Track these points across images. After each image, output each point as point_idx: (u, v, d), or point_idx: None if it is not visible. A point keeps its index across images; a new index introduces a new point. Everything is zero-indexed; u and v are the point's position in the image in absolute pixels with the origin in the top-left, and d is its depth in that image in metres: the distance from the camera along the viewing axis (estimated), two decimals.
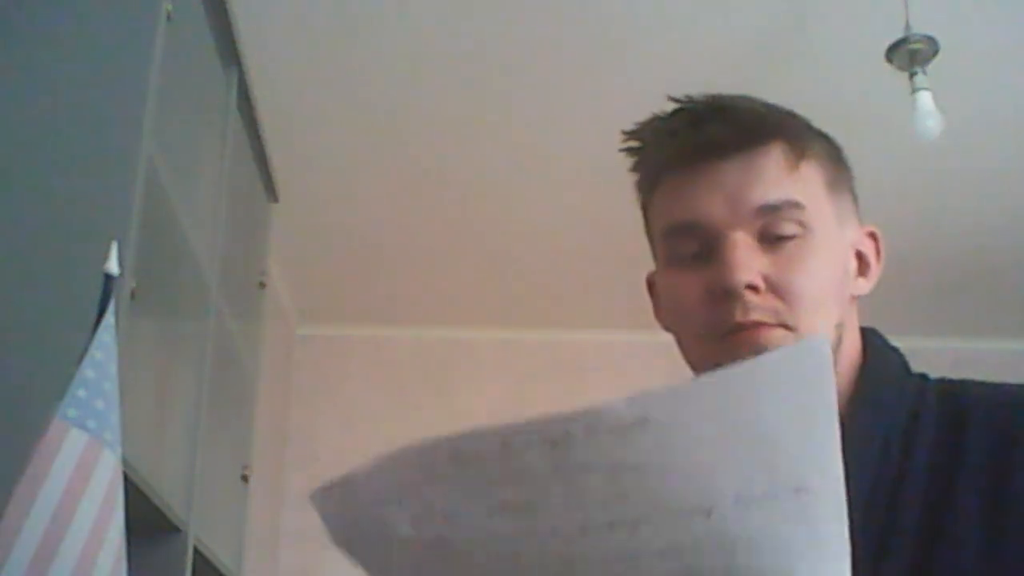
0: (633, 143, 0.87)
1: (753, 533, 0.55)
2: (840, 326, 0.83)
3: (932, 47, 2.53)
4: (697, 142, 0.82)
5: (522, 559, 0.60)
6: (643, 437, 0.56)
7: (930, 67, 2.53)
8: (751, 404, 0.56)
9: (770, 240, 0.80)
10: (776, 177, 0.82)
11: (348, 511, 0.67)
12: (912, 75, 2.51)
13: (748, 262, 0.79)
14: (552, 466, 0.57)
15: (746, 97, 0.86)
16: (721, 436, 0.56)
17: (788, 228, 0.80)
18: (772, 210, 0.80)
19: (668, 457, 0.56)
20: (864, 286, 0.88)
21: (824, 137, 0.89)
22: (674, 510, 0.56)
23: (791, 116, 0.87)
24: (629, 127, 0.87)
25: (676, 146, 0.84)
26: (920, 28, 2.50)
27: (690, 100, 0.86)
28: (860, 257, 0.88)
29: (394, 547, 0.64)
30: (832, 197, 0.85)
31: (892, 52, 2.56)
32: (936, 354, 3.61)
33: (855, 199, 0.89)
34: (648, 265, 0.92)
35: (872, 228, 0.90)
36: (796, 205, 0.81)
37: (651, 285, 0.93)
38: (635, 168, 0.89)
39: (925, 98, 2.45)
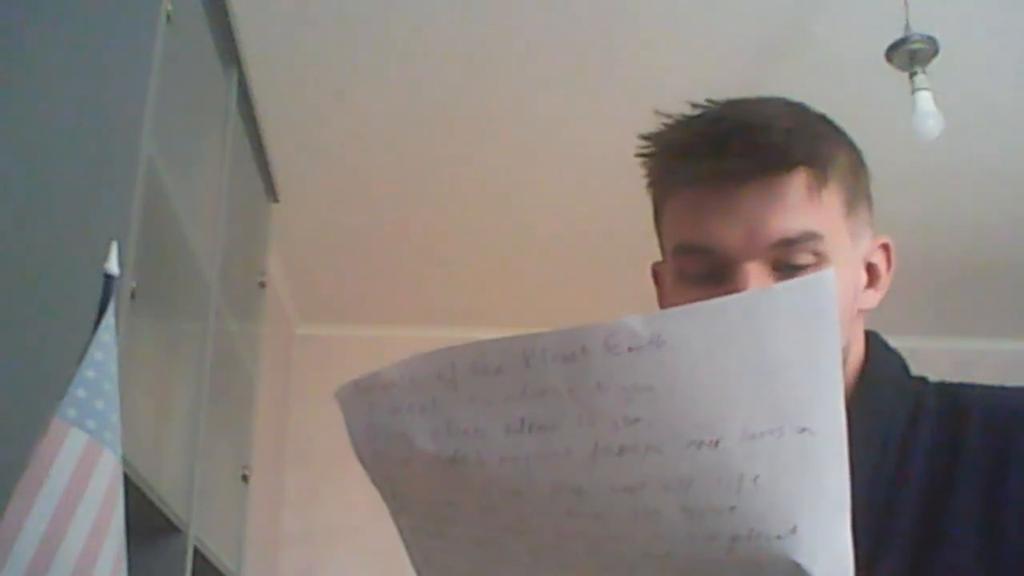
0: (649, 149, 0.85)
1: (758, 470, 0.56)
2: (845, 348, 0.81)
3: (932, 47, 2.54)
4: (715, 168, 0.79)
5: (533, 486, 0.61)
6: (657, 357, 0.57)
7: (930, 67, 2.53)
8: (760, 328, 0.58)
9: (784, 268, 0.79)
10: (796, 207, 0.79)
11: (371, 414, 0.68)
12: (912, 75, 2.51)
13: None
14: (568, 385, 0.59)
15: (772, 111, 0.82)
16: (731, 362, 0.57)
17: (803, 258, 0.79)
18: (790, 243, 0.78)
19: (680, 381, 0.57)
20: (872, 298, 0.87)
21: (846, 143, 0.86)
22: (683, 437, 0.57)
23: (816, 132, 0.83)
24: (639, 131, 0.84)
25: (693, 166, 0.81)
26: (920, 28, 2.50)
27: (709, 111, 0.82)
28: (870, 269, 0.87)
29: (411, 460, 0.65)
30: (849, 216, 0.83)
31: (892, 52, 2.56)
32: (936, 354, 3.63)
33: (871, 204, 0.87)
34: (650, 259, 0.92)
35: (885, 239, 0.88)
36: (814, 236, 0.79)
37: (656, 275, 0.92)
38: (649, 174, 0.87)
39: (925, 98, 2.46)
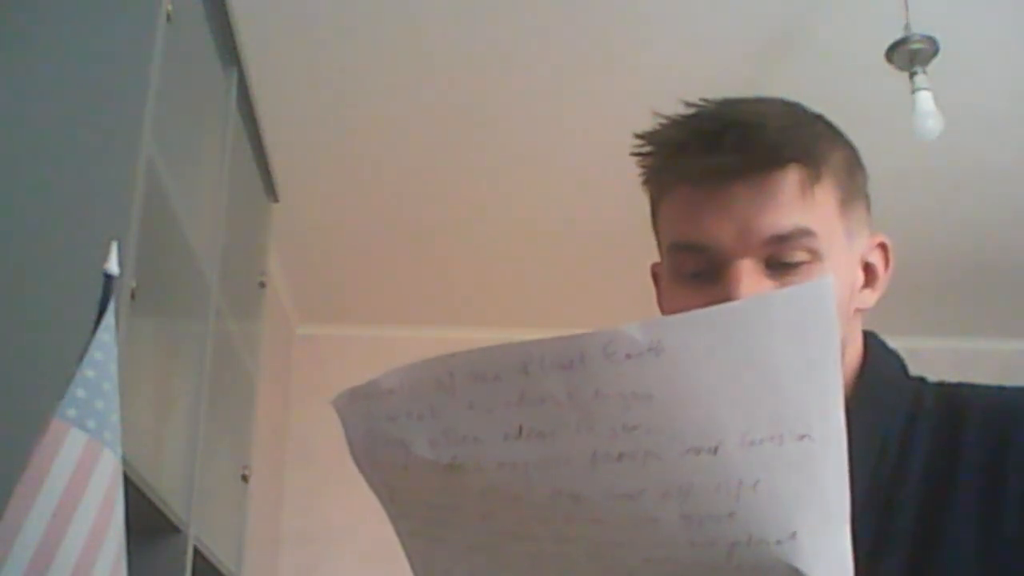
0: (644, 148, 0.85)
1: (757, 476, 0.56)
2: (841, 348, 0.82)
3: (932, 47, 2.54)
4: (708, 165, 0.79)
5: (532, 493, 0.61)
6: (655, 364, 0.57)
7: (930, 67, 2.53)
8: (759, 335, 0.58)
9: (778, 267, 0.79)
10: (788, 204, 0.79)
11: (369, 420, 0.68)
12: (912, 75, 2.51)
13: (752, 291, 0.77)
14: (567, 392, 0.59)
15: (766, 110, 0.83)
16: (730, 369, 0.57)
17: (797, 256, 0.78)
18: (782, 239, 0.78)
19: (678, 388, 0.57)
20: (870, 298, 0.87)
21: (842, 142, 0.86)
22: (682, 444, 0.57)
23: (810, 131, 0.83)
24: (639, 130, 0.85)
25: (687, 163, 0.81)
26: (920, 28, 2.50)
27: (704, 110, 0.83)
28: (868, 268, 0.86)
29: (409, 466, 0.65)
30: (845, 214, 0.82)
31: (892, 52, 2.56)
32: (936, 354, 3.63)
33: (868, 203, 0.87)
34: (650, 259, 0.92)
35: (882, 238, 0.88)
36: (807, 233, 0.78)
37: (655, 275, 0.92)
38: (644, 172, 0.87)
39: (925, 98, 2.46)
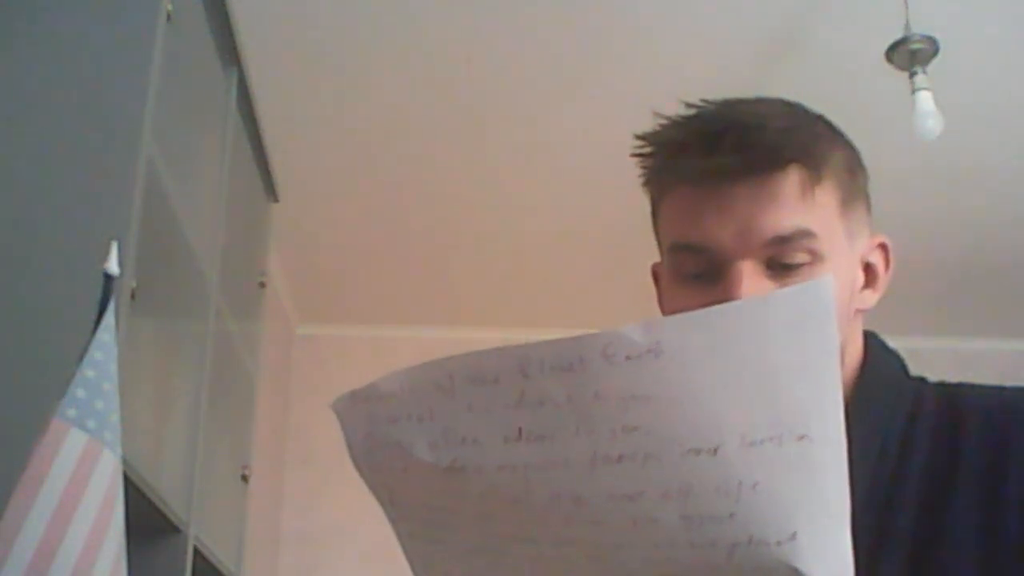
0: (644, 149, 0.85)
1: (757, 477, 0.56)
2: (841, 349, 0.80)
3: (932, 47, 2.54)
4: (709, 166, 0.79)
5: (532, 495, 0.61)
6: (655, 366, 0.57)
7: (930, 67, 2.53)
8: (758, 335, 0.58)
9: (778, 268, 0.78)
10: (789, 205, 0.78)
11: (369, 423, 0.68)
12: (912, 75, 2.52)
13: (753, 292, 0.77)
14: (566, 394, 0.59)
15: (766, 110, 0.83)
16: (729, 370, 0.57)
17: (798, 257, 0.78)
18: (783, 240, 0.78)
19: (678, 389, 0.57)
20: (870, 298, 0.87)
21: (842, 143, 0.85)
22: (682, 445, 0.57)
23: (810, 131, 0.83)
24: (639, 130, 0.85)
25: (687, 164, 0.81)
26: (920, 28, 2.50)
27: (705, 110, 0.83)
28: (868, 269, 0.86)
29: (409, 469, 0.65)
30: (845, 215, 0.82)
31: (892, 52, 2.56)
32: (936, 354, 3.63)
33: (868, 204, 0.87)
34: (650, 259, 0.92)
35: (882, 239, 0.88)
36: (808, 234, 0.78)
37: (656, 275, 0.92)
38: (645, 172, 0.87)
39: (925, 98, 2.46)
